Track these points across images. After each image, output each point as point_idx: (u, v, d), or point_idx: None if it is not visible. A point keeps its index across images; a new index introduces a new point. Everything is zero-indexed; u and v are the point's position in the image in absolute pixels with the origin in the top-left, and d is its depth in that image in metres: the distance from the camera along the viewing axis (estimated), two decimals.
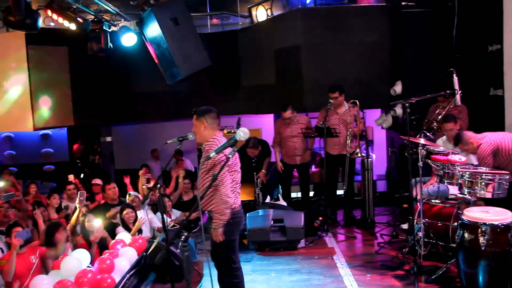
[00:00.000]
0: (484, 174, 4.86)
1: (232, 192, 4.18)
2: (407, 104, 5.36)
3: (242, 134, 3.57)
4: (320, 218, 6.95)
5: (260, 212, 6.66)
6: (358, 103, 7.26)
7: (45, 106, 8.56)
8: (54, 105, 8.71)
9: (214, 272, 4.32)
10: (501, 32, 6.53)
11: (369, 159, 7.37)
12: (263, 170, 7.79)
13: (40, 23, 6.87)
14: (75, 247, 5.74)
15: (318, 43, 8.17)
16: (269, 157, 8.03)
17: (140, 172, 7.68)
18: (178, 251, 5.24)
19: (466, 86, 6.45)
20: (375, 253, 6.21)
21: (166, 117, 10.62)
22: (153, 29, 7.18)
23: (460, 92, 5.85)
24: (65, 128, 11.47)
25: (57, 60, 8.80)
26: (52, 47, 8.75)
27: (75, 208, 6.27)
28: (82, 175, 11.01)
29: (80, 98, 9.04)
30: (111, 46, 8.57)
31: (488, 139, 5.46)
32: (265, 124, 11.81)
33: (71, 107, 8.98)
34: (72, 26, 7.80)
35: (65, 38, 8.66)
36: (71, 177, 7.98)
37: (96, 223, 5.87)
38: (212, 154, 3.68)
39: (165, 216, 4.81)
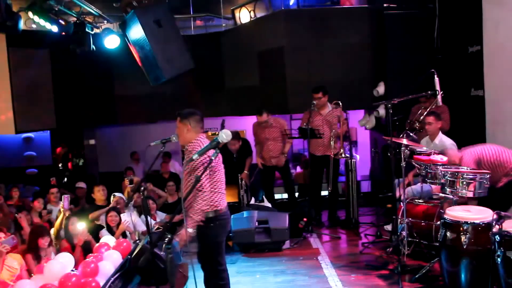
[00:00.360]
0: (465, 174, 4.92)
1: (215, 192, 4.17)
2: (390, 105, 5.40)
3: (225, 136, 3.58)
4: (305, 219, 6.97)
5: (245, 213, 6.66)
6: (341, 104, 7.30)
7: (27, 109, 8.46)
8: (36, 108, 8.62)
9: (199, 275, 4.31)
10: (481, 33, 6.62)
11: (353, 160, 7.41)
12: (245, 172, 7.77)
13: (21, 25, 6.81)
14: (58, 251, 5.68)
15: (301, 44, 8.19)
16: (250, 157, 8.02)
17: (135, 179, 7.57)
18: (162, 253, 5.21)
19: (447, 87, 6.54)
20: (360, 253, 6.25)
21: (150, 119, 10.58)
22: (136, 32, 7.16)
23: (441, 92, 5.94)
24: (48, 131, 11.34)
25: (39, 63, 8.71)
26: (34, 49, 8.67)
27: (59, 211, 6.21)
28: (65, 179, 10.90)
29: (62, 101, 8.96)
30: (94, 48, 8.51)
31: (469, 151, 5.47)
32: (249, 126, 11.75)
33: (54, 110, 8.89)
34: (54, 28, 7.74)
35: (47, 41, 8.57)
36: (53, 180, 7.89)
37: (80, 226, 5.82)
38: (195, 156, 3.67)
39: (150, 218, 4.79)
